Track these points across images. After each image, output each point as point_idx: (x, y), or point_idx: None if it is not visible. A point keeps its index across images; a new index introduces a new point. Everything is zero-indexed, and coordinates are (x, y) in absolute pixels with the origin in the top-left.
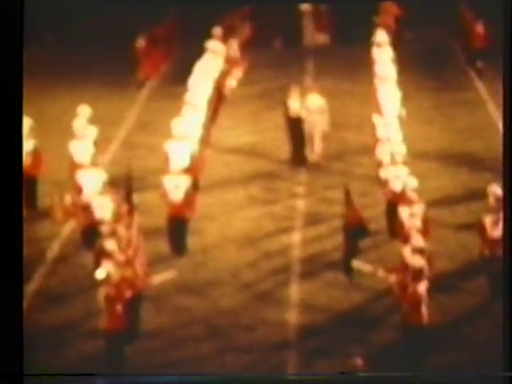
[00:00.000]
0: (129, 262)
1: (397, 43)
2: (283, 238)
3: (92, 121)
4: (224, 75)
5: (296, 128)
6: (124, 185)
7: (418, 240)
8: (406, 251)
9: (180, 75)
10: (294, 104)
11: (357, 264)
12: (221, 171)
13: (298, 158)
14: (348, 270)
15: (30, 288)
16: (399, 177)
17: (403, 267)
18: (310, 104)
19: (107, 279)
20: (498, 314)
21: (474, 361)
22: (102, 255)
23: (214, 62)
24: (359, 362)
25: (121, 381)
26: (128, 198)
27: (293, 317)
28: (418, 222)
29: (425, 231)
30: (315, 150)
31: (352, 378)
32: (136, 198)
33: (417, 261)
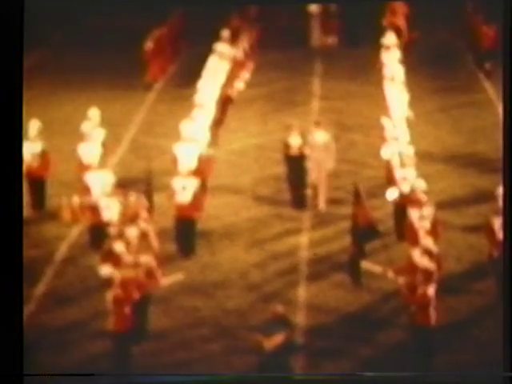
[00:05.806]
0: (137, 264)
1: (405, 44)
2: (291, 239)
3: (100, 123)
4: (232, 77)
5: (297, 167)
6: (144, 186)
7: (427, 242)
8: (415, 253)
9: (187, 77)
10: (296, 141)
11: (366, 265)
12: (228, 173)
13: (300, 200)
14: (354, 272)
15: (39, 289)
16: (407, 178)
17: (412, 269)
18: (315, 140)
19: (111, 281)
20: (505, 315)
21: (481, 362)
22: (109, 257)
23: (221, 64)
24: (279, 308)
25: (121, 381)
26: (148, 199)
27: (300, 318)
28: (427, 224)
29: (434, 233)
30: (320, 194)
31: (356, 378)
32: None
33: (426, 262)
